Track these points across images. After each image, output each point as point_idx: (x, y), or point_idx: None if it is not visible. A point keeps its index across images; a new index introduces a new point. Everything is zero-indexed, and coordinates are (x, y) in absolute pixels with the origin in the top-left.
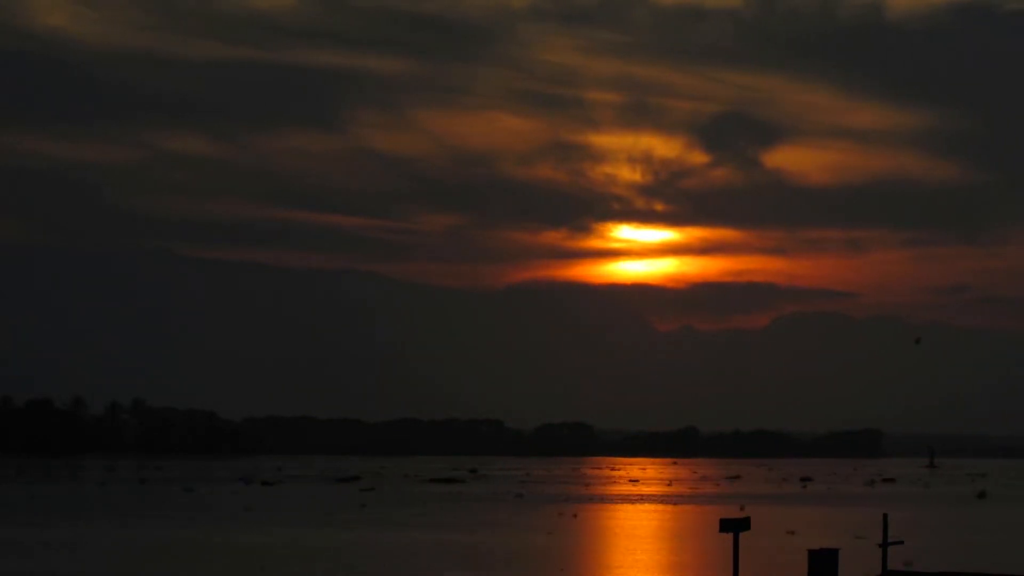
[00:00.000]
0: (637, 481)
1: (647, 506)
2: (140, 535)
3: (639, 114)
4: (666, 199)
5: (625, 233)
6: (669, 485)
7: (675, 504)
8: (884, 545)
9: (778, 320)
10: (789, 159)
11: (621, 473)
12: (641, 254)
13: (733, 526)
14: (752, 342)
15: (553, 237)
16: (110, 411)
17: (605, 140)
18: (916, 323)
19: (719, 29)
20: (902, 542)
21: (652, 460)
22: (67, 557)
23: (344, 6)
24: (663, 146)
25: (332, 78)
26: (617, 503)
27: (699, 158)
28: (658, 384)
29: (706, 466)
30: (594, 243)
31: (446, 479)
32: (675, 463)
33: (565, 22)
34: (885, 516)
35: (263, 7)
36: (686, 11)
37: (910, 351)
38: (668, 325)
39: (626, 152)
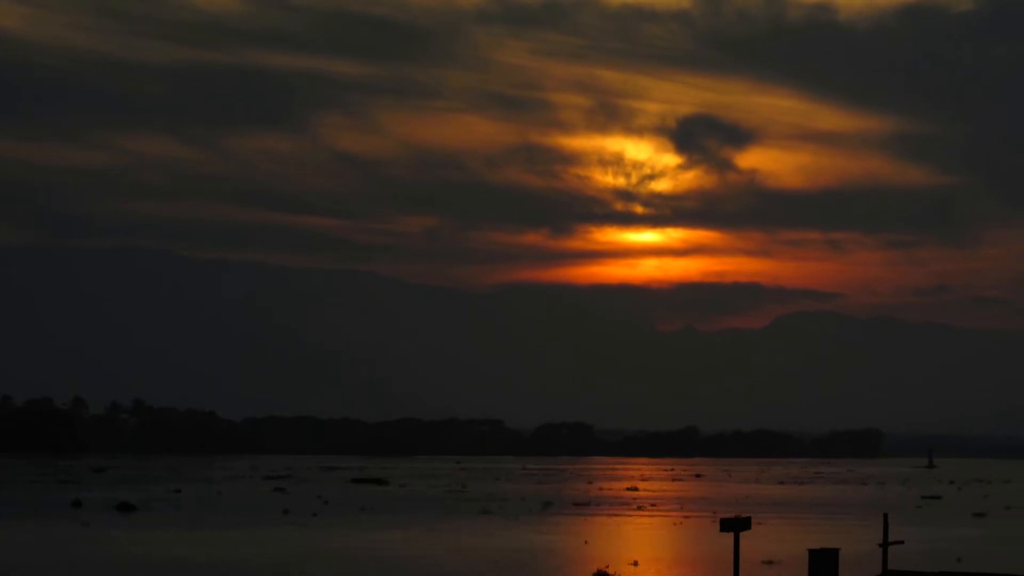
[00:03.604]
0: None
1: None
2: None
3: (606, 116)
4: (643, 201)
5: (607, 235)
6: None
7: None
8: (884, 545)
9: (778, 320)
10: (760, 161)
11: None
12: (626, 255)
13: (733, 526)
14: (752, 343)
15: (534, 239)
16: (110, 411)
17: (575, 142)
18: (912, 323)
19: (670, 31)
20: (902, 542)
21: (652, 460)
22: None
23: (292, 9)
24: (633, 148)
25: (291, 81)
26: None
27: (670, 160)
28: (658, 384)
29: (704, 466)
30: (577, 244)
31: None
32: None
33: (512, 25)
34: (885, 516)
35: (215, 11)
36: (632, 13)
37: (910, 352)
38: (666, 326)
39: (597, 154)
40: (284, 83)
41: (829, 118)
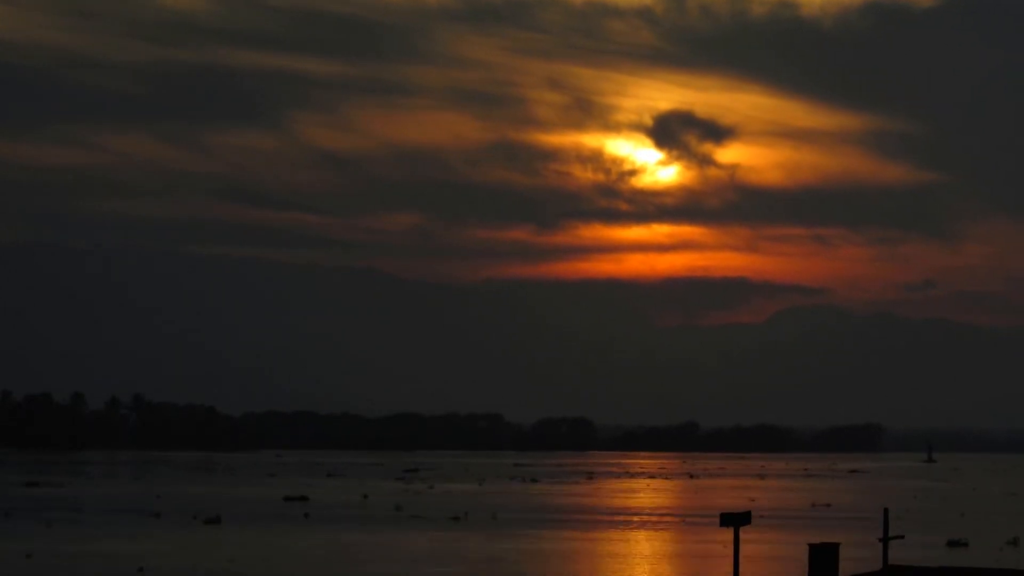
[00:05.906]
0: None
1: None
2: None
3: (582, 113)
4: (625, 198)
5: (594, 231)
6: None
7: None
8: (884, 540)
9: (776, 316)
10: (740, 157)
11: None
12: (614, 251)
13: (733, 520)
14: (751, 338)
15: (521, 235)
16: (110, 406)
17: (552, 139)
18: (909, 318)
19: (634, 28)
20: (902, 536)
21: (653, 455)
22: None
23: (263, 7)
24: (611, 144)
25: (266, 79)
26: None
27: (649, 156)
28: (658, 379)
29: (705, 460)
30: (564, 240)
31: None
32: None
33: (477, 23)
34: (885, 511)
35: (186, 10)
36: (596, 10)
37: (908, 347)
38: (665, 321)
39: (575, 151)
40: (259, 81)
41: (803, 115)
